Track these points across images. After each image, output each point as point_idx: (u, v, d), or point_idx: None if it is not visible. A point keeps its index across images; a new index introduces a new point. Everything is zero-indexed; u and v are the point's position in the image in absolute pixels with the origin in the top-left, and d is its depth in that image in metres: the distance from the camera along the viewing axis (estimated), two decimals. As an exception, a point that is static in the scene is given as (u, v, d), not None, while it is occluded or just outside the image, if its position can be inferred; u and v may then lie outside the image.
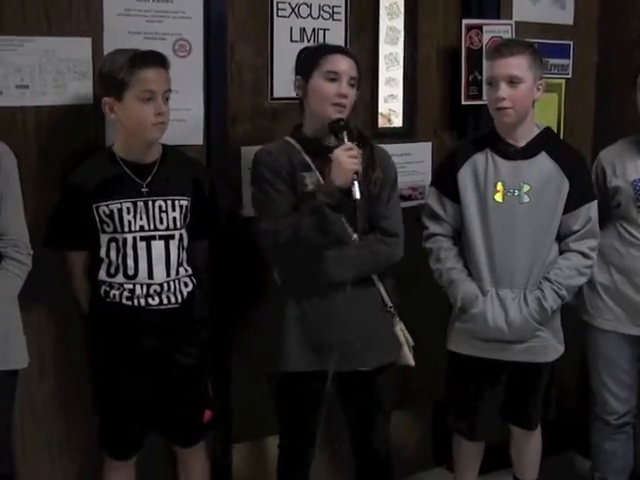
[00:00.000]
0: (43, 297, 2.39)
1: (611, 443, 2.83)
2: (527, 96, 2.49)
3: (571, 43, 3.25)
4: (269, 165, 2.33)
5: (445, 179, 2.60)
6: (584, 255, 2.54)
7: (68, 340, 2.48)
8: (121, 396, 2.35)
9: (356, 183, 2.17)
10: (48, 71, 2.36)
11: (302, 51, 2.47)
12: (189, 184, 2.38)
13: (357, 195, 2.17)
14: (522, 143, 2.54)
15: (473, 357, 2.59)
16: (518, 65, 2.46)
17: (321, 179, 2.30)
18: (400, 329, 2.48)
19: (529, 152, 2.53)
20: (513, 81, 2.45)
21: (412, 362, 2.49)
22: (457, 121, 3.08)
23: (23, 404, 2.45)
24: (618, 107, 2.94)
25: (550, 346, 2.59)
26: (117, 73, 2.20)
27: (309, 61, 2.35)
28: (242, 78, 2.72)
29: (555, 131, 3.23)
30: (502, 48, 2.49)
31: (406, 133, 3.06)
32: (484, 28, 2.99)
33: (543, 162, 2.52)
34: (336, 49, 2.39)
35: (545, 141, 2.56)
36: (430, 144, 3.07)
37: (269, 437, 2.96)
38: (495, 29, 3.01)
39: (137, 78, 2.20)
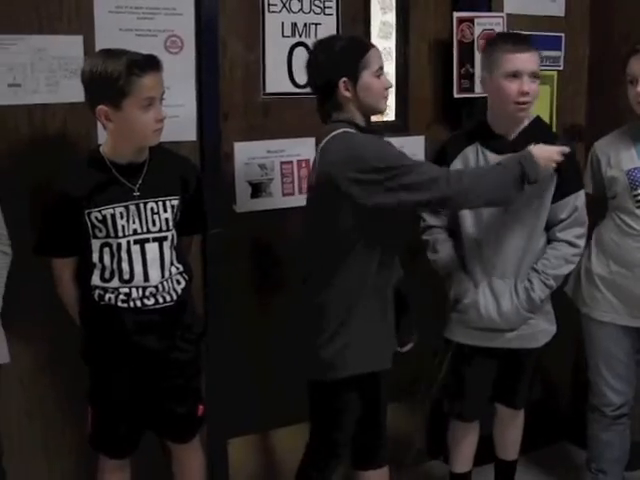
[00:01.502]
0: (37, 295, 2.38)
1: (607, 434, 2.84)
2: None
3: (562, 35, 3.24)
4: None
5: None
6: (571, 244, 2.55)
7: (63, 338, 2.46)
8: (118, 396, 2.33)
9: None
10: (40, 70, 2.36)
11: (321, 50, 2.31)
12: (177, 182, 2.35)
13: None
14: (513, 136, 2.54)
15: (467, 344, 2.63)
16: (537, 61, 2.48)
17: None
18: None
19: (519, 145, 2.51)
20: (536, 76, 2.46)
21: None
22: (449, 114, 3.08)
23: (18, 403, 2.46)
24: (609, 98, 2.94)
25: (539, 332, 2.62)
26: (114, 81, 2.10)
27: (352, 61, 2.27)
28: (234, 74, 2.72)
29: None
30: (526, 42, 2.48)
31: (399, 127, 3.07)
32: (475, 21, 2.99)
33: None
34: (370, 43, 2.37)
35: (534, 133, 2.55)
36: (423, 138, 3.08)
37: (265, 431, 2.98)
38: (486, 22, 3.01)
39: (137, 86, 2.13)
